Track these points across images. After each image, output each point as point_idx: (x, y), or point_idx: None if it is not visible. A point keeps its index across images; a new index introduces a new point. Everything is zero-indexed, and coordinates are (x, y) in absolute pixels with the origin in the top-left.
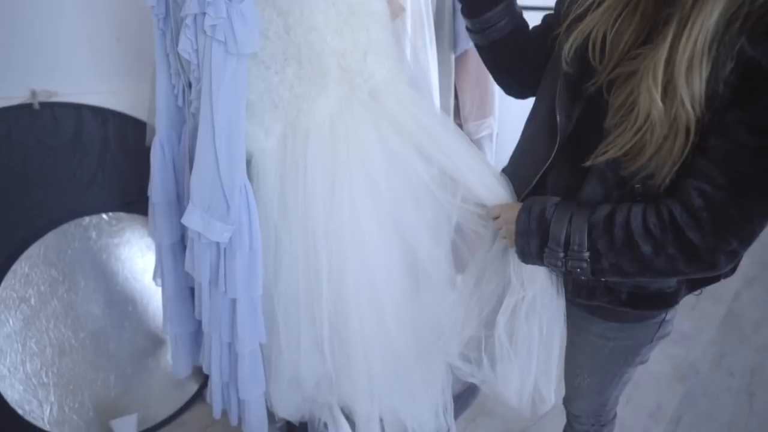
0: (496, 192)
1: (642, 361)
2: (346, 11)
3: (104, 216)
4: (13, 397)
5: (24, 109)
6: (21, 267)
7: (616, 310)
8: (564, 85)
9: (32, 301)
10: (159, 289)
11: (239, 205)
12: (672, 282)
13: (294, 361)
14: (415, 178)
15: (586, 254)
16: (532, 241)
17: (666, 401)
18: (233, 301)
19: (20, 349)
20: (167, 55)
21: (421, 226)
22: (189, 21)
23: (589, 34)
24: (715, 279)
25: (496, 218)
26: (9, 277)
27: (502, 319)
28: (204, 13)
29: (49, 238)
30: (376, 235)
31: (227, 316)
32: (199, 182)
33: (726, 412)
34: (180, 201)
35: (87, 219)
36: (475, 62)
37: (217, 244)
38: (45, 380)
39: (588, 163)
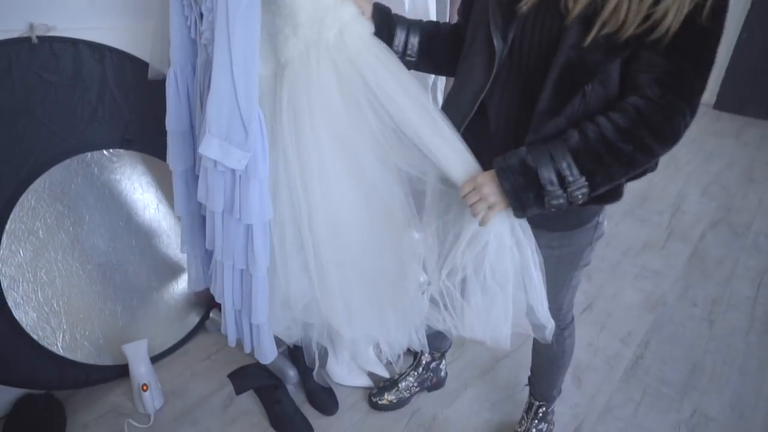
0: (458, 150)
1: (585, 263)
2: None
3: (105, 152)
4: (28, 324)
5: (23, 42)
6: (28, 200)
7: (560, 218)
8: (497, 9)
9: (40, 233)
10: (160, 225)
11: (256, 132)
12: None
13: (285, 284)
14: (374, 126)
15: (582, 179)
16: (528, 193)
17: (636, 328)
18: (247, 227)
19: (31, 279)
20: None
21: (380, 169)
22: None
23: None
24: (643, 173)
25: (469, 193)
26: (17, 210)
27: (469, 258)
28: None
29: (54, 173)
30: (338, 172)
31: (241, 243)
32: (216, 111)
33: (689, 336)
34: (192, 130)
35: (89, 155)
36: None
37: (233, 172)
38: (56, 308)
39: (571, 17)
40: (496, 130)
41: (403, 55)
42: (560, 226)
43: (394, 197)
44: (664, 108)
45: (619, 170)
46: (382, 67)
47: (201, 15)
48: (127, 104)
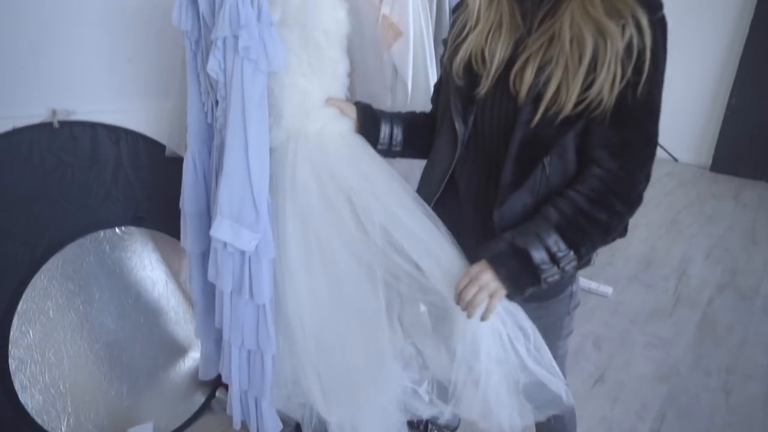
0: (446, 250)
1: (568, 332)
2: (316, 61)
3: (117, 230)
4: (33, 407)
5: (45, 127)
6: (40, 280)
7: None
8: (457, 97)
9: (50, 313)
10: (168, 302)
11: (266, 215)
12: None
13: (276, 362)
14: (350, 224)
15: (570, 252)
16: (525, 275)
17: (650, 400)
18: (257, 307)
19: (39, 360)
20: (198, 74)
21: (353, 265)
22: (219, 43)
23: (471, 52)
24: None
25: (466, 286)
26: (29, 290)
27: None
28: (235, 36)
29: (67, 252)
30: (312, 263)
31: (251, 323)
32: (228, 193)
33: (705, 408)
34: (209, 212)
35: (102, 233)
36: None
37: (242, 252)
38: (62, 390)
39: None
40: (465, 203)
41: (389, 147)
42: (535, 297)
43: (367, 297)
44: (624, 178)
45: (598, 238)
46: (358, 164)
47: (216, 102)
48: (140, 183)
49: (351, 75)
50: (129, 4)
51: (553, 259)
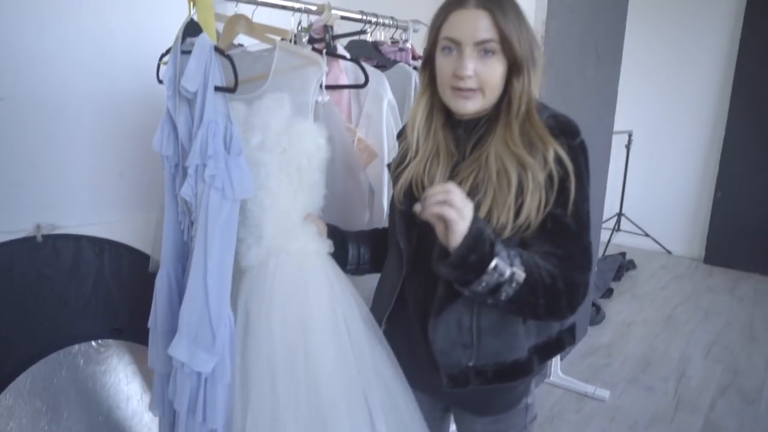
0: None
1: None
2: (297, 183)
3: (93, 343)
4: None
5: (27, 242)
6: (5, 399)
7: (488, 403)
8: (401, 218)
9: None
10: (141, 419)
11: (224, 337)
12: (524, 352)
13: None
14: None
15: (523, 271)
16: (482, 245)
17: None
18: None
19: None
20: (176, 195)
21: (333, 390)
22: (191, 171)
23: (411, 179)
24: (559, 348)
25: (445, 198)
26: None
27: None
28: (204, 165)
29: (38, 368)
30: (287, 386)
31: None
32: (188, 313)
33: None
34: None
35: (77, 347)
36: None
37: (198, 373)
38: None
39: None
40: (414, 318)
41: (358, 266)
42: (490, 409)
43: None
44: (564, 287)
45: (542, 294)
46: (330, 287)
47: (192, 222)
48: (121, 294)
49: (326, 197)
50: (121, 125)
51: (511, 260)
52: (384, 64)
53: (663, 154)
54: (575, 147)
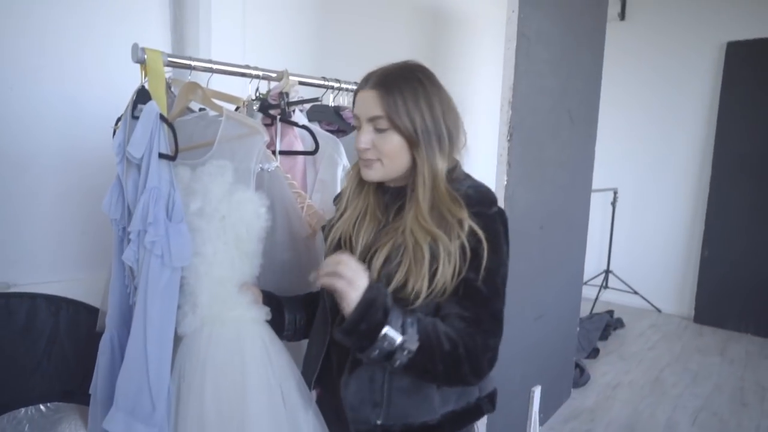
0: None
1: None
2: (235, 251)
3: (42, 407)
4: None
5: None
6: None
7: None
8: None
9: None
10: None
11: (163, 408)
12: (435, 415)
13: None
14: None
15: (416, 339)
16: (375, 314)
17: None
18: None
19: None
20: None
21: None
22: (133, 236)
23: (340, 235)
24: (477, 415)
25: (335, 269)
26: None
27: None
28: (145, 231)
29: None
30: None
31: None
32: (125, 385)
33: None
34: None
35: (22, 411)
36: None
37: None
38: None
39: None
40: (336, 376)
41: (294, 332)
42: None
43: None
44: (473, 348)
45: (431, 359)
46: (266, 356)
47: (135, 288)
48: (76, 355)
49: (262, 266)
50: (86, 183)
51: (404, 327)
52: (344, 128)
53: (649, 212)
54: (491, 215)
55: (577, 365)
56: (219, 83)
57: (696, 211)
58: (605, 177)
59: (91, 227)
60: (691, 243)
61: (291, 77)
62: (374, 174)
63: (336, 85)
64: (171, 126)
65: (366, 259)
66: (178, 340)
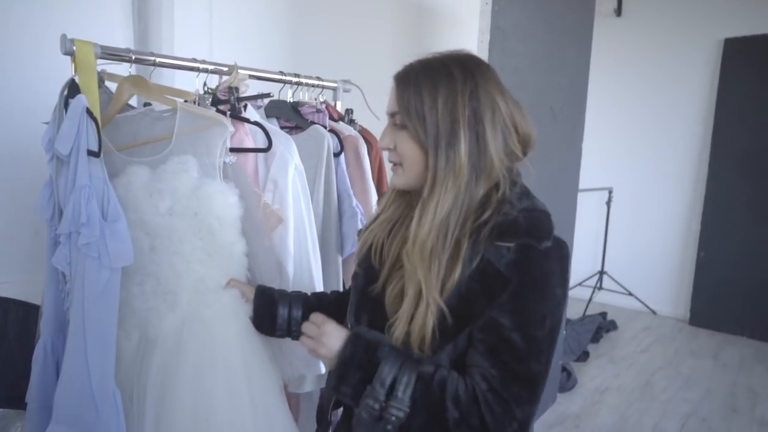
0: None
1: None
2: (211, 246)
3: None
4: None
5: None
6: None
7: None
8: (354, 289)
9: None
10: None
11: (109, 415)
12: None
13: None
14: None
15: (407, 404)
16: (354, 373)
17: None
18: None
19: None
20: None
21: None
22: (63, 238)
23: (372, 241)
24: None
25: (311, 331)
26: None
27: None
28: (78, 232)
29: None
30: None
31: None
32: (64, 395)
33: None
34: None
35: None
36: None
37: None
38: None
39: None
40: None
41: (288, 331)
42: None
43: None
44: (491, 409)
45: (434, 426)
46: (240, 356)
47: (68, 293)
48: (23, 359)
49: (249, 254)
50: (33, 185)
51: (390, 391)
52: (301, 125)
53: (645, 212)
54: (543, 251)
55: (564, 369)
56: (182, 81)
57: (692, 211)
58: (600, 176)
59: (44, 226)
60: (687, 243)
61: (242, 71)
62: (398, 180)
63: (294, 80)
64: (95, 121)
65: (387, 282)
66: (152, 342)
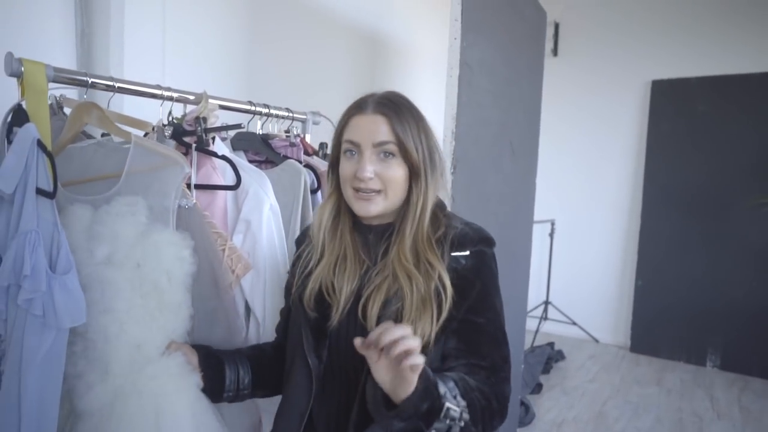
0: None
1: None
2: (155, 307)
3: None
4: None
5: None
6: None
7: None
8: (308, 331)
9: None
10: None
11: None
12: None
13: None
14: None
15: (464, 403)
16: (425, 402)
17: None
18: None
19: None
20: None
21: None
22: (0, 292)
23: (320, 283)
24: None
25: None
26: None
27: None
28: (19, 285)
29: None
30: None
31: None
32: None
33: None
34: None
35: None
36: None
37: None
38: None
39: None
40: None
41: (237, 393)
42: None
43: None
44: (497, 388)
45: (479, 420)
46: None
47: (2, 355)
48: None
49: (193, 317)
50: None
51: (456, 401)
52: (273, 159)
53: (585, 242)
54: (492, 255)
55: (522, 403)
56: (134, 108)
57: (628, 242)
58: (543, 208)
59: None
60: (625, 273)
61: (211, 100)
62: (375, 208)
63: (264, 110)
64: (50, 156)
65: (356, 307)
66: (77, 417)
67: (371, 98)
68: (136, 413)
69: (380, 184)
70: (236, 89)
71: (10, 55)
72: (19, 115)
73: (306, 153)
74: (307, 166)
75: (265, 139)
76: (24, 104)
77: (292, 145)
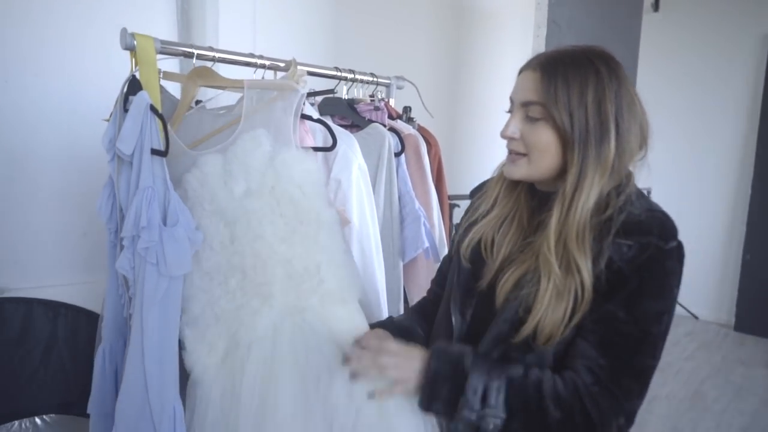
0: None
1: None
2: (294, 219)
3: (38, 420)
4: None
5: None
6: None
7: None
8: (458, 288)
9: None
10: None
11: (167, 430)
12: None
13: None
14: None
15: (503, 410)
16: (444, 387)
17: None
18: None
19: None
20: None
21: None
22: (126, 242)
23: (481, 236)
24: None
25: (383, 359)
26: None
27: None
28: (139, 236)
29: None
30: None
31: None
32: (125, 406)
33: None
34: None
35: (16, 424)
36: (424, 269)
37: None
38: None
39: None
40: None
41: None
42: None
43: None
44: (597, 403)
45: (534, 429)
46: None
47: (130, 298)
48: (74, 363)
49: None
50: (88, 181)
51: (484, 399)
52: (358, 123)
53: (687, 212)
54: (668, 251)
55: None
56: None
57: (737, 212)
58: (637, 176)
59: (92, 228)
60: (731, 246)
61: (300, 67)
62: (517, 171)
63: (350, 76)
64: (161, 118)
65: (501, 276)
66: (245, 347)
67: (543, 54)
68: (306, 327)
69: (522, 147)
70: (323, 56)
71: (124, 30)
72: (133, 85)
73: (390, 117)
74: (391, 129)
75: (351, 104)
76: (137, 74)
77: (377, 109)
